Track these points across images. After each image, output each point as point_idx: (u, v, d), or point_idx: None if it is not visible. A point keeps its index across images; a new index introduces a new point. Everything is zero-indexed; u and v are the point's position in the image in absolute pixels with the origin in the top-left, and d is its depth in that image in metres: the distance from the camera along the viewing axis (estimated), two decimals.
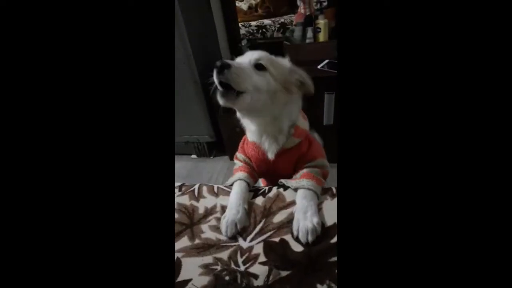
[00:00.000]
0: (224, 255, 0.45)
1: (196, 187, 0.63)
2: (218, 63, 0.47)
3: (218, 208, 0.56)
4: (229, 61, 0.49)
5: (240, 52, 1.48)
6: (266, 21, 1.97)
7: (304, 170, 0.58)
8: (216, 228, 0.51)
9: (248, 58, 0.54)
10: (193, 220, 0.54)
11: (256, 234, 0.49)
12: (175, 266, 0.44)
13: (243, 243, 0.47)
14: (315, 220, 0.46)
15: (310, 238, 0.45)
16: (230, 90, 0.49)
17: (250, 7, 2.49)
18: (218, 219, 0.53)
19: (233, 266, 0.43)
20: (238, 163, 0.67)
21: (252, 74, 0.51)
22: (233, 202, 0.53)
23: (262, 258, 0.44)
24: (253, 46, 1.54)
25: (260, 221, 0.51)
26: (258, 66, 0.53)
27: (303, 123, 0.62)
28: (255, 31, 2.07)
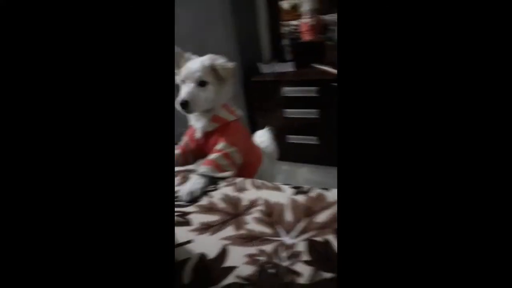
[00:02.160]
0: (268, 248, 0.47)
1: (239, 180, 0.65)
2: (181, 101, 0.69)
3: (261, 201, 0.57)
4: (186, 98, 0.69)
5: (282, 51, 1.49)
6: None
7: (208, 158, 0.71)
8: (259, 221, 0.53)
9: (192, 78, 0.70)
10: (237, 211, 0.56)
11: (299, 232, 0.49)
12: (222, 253, 0.47)
13: (286, 239, 0.48)
14: (199, 186, 0.63)
15: (185, 198, 0.61)
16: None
17: (292, 7, 2.47)
18: (261, 212, 0.55)
19: (277, 260, 0.44)
20: (180, 143, 0.85)
21: (200, 93, 0.70)
22: None
23: (305, 257, 0.44)
24: (294, 46, 1.53)
25: (303, 220, 0.52)
26: (201, 83, 0.70)
27: (225, 114, 0.77)
28: (295, 30, 2.05)
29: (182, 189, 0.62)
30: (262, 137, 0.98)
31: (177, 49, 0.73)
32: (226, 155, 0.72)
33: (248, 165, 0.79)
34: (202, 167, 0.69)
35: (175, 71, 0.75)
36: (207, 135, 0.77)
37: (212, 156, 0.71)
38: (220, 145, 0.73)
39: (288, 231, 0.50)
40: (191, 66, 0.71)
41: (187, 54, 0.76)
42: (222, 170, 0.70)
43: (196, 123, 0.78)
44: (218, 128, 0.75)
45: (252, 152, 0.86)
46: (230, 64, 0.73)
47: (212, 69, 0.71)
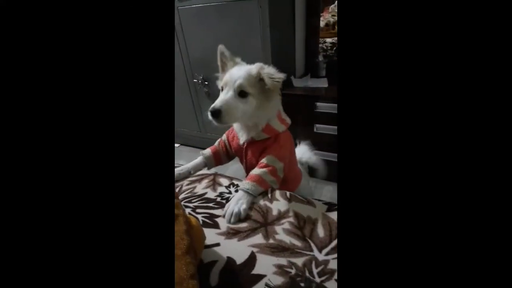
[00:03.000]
0: (298, 261, 0.45)
1: (269, 189, 0.64)
2: (211, 110, 0.60)
3: (291, 213, 0.56)
4: (219, 106, 0.60)
5: (317, 67, 1.49)
6: None
7: (253, 172, 0.65)
8: (290, 233, 0.51)
9: (232, 85, 0.62)
10: (267, 220, 0.55)
11: (332, 249, 0.47)
12: (250, 260, 0.46)
13: (318, 255, 0.46)
14: (243, 207, 0.56)
15: (232, 220, 0.55)
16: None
17: (327, 25, 2.51)
18: (291, 224, 0.53)
19: (307, 274, 0.43)
20: (217, 141, 0.82)
21: (238, 105, 0.62)
22: (184, 166, 0.76)
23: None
24: (329, 63, 1.54)
25: (336, 237, 0.49)
26: (242, 93, 0.62)
27: (277, 124, 0.70)
28: (329, 47, 2.07)
29: (226, 210, 0.57)
30: (303, 151, 0.93)
31: (226, 52, 0.67)
32: (272, 172, 0.65)
33: (287, 182, 0.73)
34: (245, 182, 0.62)
35: (219, 74, 0.70)
36: (253, 141, 0.71)
37: (258, 171, 0.65)
38: (268, 159, 0.66)
39: (320, 247, 0.48)
40: (234, 73, 0.63)
41: (237, 59, 0.68)
42: (267, 186, 0.64)
43: (241, 132, 0.72)
44: (268, 138, 0.70)
45: (294, 169, 0.79)
46: (279, 76, 0.62)
47: (259, 80, 0.62)
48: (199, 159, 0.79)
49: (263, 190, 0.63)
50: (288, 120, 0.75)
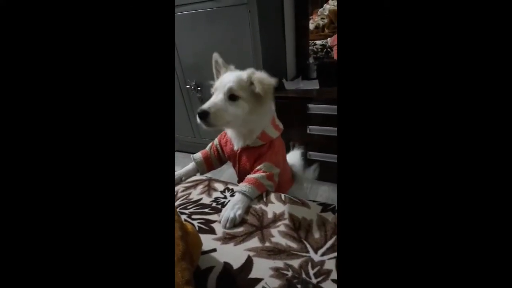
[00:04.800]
0: (295, 263, 0.45)
1: (264, 193, 0.65)
2: (199, 111, 0.60)
3: (286, 215, 0.56)
4: (207, 107, 0.60)
5: (308, 69, 1.51)
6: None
7: (250, 176, 0.67)
8: (286, 235, 0.52)
9: (222, 89, 0.63)
10: (263, 223, 0.55)
11: (327, 249, 0.47)
12: (247, 264, 0.46)
13: (314, 256, 0.47)
14: (238, 212, 0.57)
15: (228, 225, 0.55)
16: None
17: (317, 27, 2.55)
18: (287, 226, 0.54)
19: (304, 276, 0.43)
20: (208, 145, 0.82)
21: (227, 108, 0.62)
22: (176, 173, 0.77)
23: (334, 276, 0.43)
24: (320, 65, 1.56)
25: (331, 237, 0.50)
26: (232, 97, 0.62)
27: (272, 131, 0.72)
28: (319, 50, 2.10)
29: (222, 215, 0.57)
30: (294, 158, 0.93)
31: (219, 59, 0.69)
32: (269, 176, 0.66)
33: (280, 185, 0.74)
34: (243, 185, 0.63)
35: (214, 82, 0.70)
36: (247, 147, 0.71)
37: (255, 175, 0.66)
38: (265, 166, 0.68)
39: (316, 248, 0.48)
40: (225, 77, 0.65)
41: (231, 66, 0.70)
42: (264, 189, 0.65)
43: (236, 140, 0.73)
44: (262, 144, 0.71)
45: (286, 172, 0.80)
46: (269, 80, 0.63)
47: (250, 84, 0.63)
48: (190, 166, 0.80)
49: (260, 193, 0.64)
50: (281, 126, 0.76)
